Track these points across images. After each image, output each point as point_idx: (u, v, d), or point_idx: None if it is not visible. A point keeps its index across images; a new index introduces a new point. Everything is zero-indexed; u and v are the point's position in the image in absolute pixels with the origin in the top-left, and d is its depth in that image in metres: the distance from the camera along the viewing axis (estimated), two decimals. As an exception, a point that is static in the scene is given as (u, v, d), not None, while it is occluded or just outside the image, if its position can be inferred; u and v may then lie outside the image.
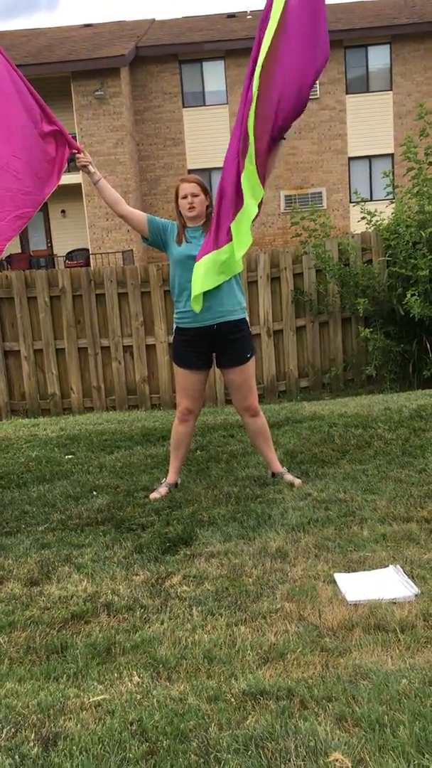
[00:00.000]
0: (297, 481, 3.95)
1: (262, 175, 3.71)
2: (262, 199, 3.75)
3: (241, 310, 3.94)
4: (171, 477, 4.09)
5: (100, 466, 4.63)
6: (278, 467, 4.08)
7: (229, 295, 3.86)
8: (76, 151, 3.99)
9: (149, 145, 21.70)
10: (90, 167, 3.97)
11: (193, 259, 3.78)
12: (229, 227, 3.71)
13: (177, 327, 3.99)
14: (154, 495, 3.96)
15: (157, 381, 7.96)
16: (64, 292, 7.91)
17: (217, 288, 3.77)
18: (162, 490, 4.00)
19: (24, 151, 3.88)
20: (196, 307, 3.72)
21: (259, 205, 3.75)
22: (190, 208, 3.84)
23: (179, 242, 3.88)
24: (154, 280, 7.78)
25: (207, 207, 3.89)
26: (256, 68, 3.65)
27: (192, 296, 3.73)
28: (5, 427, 6.23)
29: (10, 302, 7.98)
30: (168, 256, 4.00)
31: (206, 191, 3.88)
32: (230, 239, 3.70)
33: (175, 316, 4.00)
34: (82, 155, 3.96)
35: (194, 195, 3.83)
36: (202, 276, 3.70)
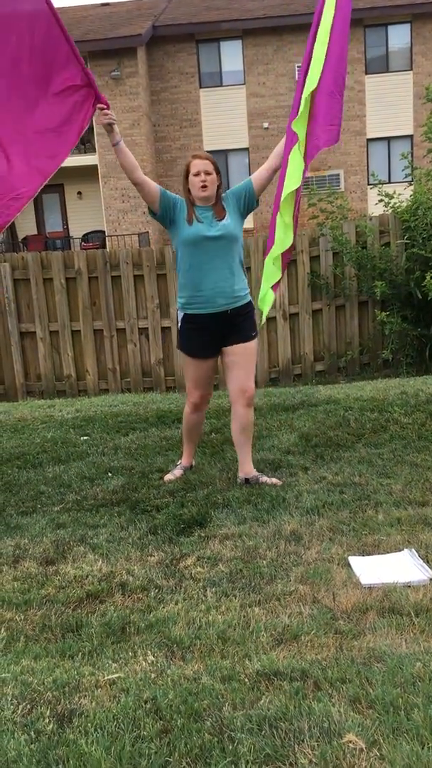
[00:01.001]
0: (274, 480, 3.76)
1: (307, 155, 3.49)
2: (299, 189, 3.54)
3: (248, 293, 3.83)
4: (186, 460, 4.09)
5: (115, 448, 4.65)
6: (252, 470, 3.81)
7: (239, 279, 3.74)
8: (105, 107, 3.72)
9: (165, 126, 21.55)
10: (114, 126, 3.72)
11: (209, 239, 3.62)
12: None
13: (185, 315, 3.77)
14: (168, 477, 3.97)
15: (172, 363, 7.96)
16: (80, 273, 7.90)
17: (229, 271, 3.67)
18: (177, 472, 4.01)
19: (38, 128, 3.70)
20: (265, 307, 3.71)
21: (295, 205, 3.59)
22: (202, 187, 3.61)
23: (190, 221, 3.67)
24: (169, 262, 7.75)
25: (218, 187, 3.69)
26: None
27: (262, 295, 3.65)
28: (21, 408, 6.26)
29: (26, 284, 7.99)
30: (173, 235, 3.78)
31: (218, 170, 3.67)
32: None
33: (181, 303, 3.77)
34: (109, 111, 3.70)
35: (207, 173, 3.61)
36: (270, 272, 3.68)
